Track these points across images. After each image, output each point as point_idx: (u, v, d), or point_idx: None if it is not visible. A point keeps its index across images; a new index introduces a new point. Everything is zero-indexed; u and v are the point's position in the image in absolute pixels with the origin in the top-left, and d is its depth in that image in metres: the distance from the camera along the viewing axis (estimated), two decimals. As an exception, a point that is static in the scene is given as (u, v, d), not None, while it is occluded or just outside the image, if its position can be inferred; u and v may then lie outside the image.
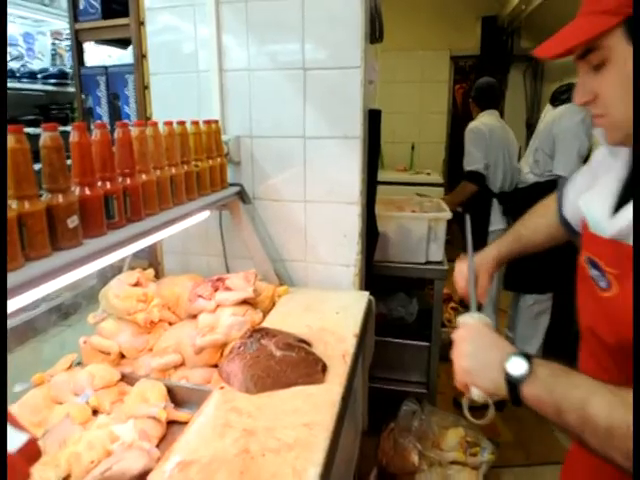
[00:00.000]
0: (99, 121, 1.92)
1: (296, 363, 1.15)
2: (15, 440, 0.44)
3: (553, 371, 0.66)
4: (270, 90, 1.69)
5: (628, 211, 0.71)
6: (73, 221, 0.93)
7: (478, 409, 0.79)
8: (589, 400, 0.59)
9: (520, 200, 2.70)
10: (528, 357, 0.68)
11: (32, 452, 0.45)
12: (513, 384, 0.66)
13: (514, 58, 4.71)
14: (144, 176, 1.18)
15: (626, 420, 0.56)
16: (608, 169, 0.83)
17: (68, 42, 4.30)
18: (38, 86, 3.84)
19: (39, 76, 3.86)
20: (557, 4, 3.26)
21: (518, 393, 0.66)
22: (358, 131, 1.62)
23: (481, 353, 0.74)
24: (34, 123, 3.57)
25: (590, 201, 0.83)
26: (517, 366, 0.67)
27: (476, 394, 0.74)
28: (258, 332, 1.23)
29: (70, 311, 1.72)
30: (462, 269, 1.06)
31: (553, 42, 0.73)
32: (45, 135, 0.91)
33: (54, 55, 4.31)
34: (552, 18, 3.76)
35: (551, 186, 2.62)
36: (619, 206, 0.75)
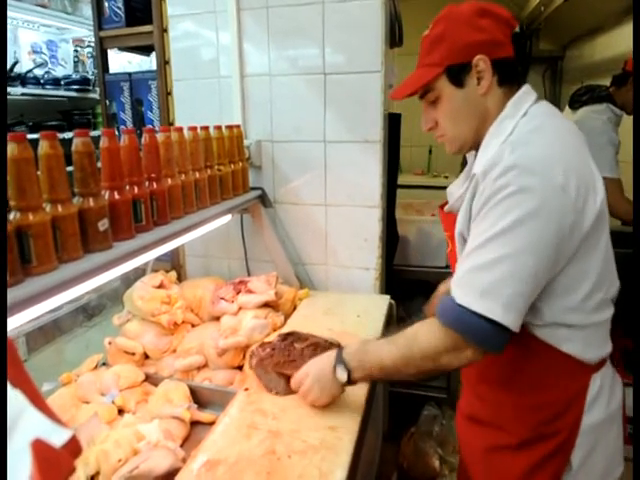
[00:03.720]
0: (126, 127, 1.97)
1: None
2: (60, 436, 0.45)
3: (357, 356, 0.99)
4: (290, 95, 1.71)
5: (456, 192, 1.02)
6: (104, 224, 0.95)
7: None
8: (380, 361, 0.95)
9: None
10: (343, 360, 1.00)
11: (75, 447, 0.47)
12: (349, 382, 1.01)
13: (533, 60, 4.67)
14: (170, 180, 1.20)
15: (395, 355, 0.93)
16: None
17: (90, 49, 4.39)
18: (61, 92, 3.92)
19: (62, 82, 3.94)
20: (576, 6, 3.23)
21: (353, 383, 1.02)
22: (378, 135, 1.63)
23: (320, 384, 1.04)
24: (58, 128, 3.66)
25: (450, 190, 1.10)
26: (342, 374, 1.00)
27: None
28: (291, 335, 1.23)
29: (95, 312, 1.75)
30: None
31: (402, 87, 0.99)
32: (77, 140, 0.94)
33: (76, 62, 4.40)
34: (571, 20, 3.73)
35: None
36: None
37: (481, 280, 0.82)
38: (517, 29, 0.94)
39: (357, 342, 1.03)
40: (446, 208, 1.06)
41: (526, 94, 0.94)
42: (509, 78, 0.94)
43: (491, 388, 1.01)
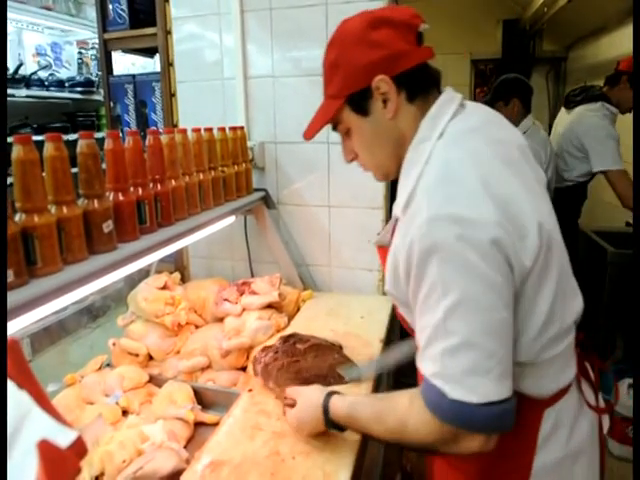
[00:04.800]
0: (130, 129, 1.97)
1: (331, 367, 1.16)
2: (66, 437, 0.46)
3: (345, 420, 0.88)
4: (294, 96, 1.71)
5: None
6: (108, 226, 0.96)
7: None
8: (370, 434, 0.85)
9: None
10: (333, 422, 0.90)
11: (81, 448, 0.47)
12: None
13: (536, 61, 4.67)
14: (174, 182, 1.21)
15: (386, 437, 0.82)
16: None
17: (94, 51, 4.41)
18: (65, 94, 3.95)
19: (66, 84, 3.96)
20: (580, 7, 3.22)
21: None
22: (382, 136, 1.63)
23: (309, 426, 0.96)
24: (62, 130, 3.67)
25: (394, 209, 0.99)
26: (336, 431, 0.92)
27: None
28: (292, 337, 1.24)
29: (99, 313, 1.75)
30: None
31: (310, 125, 0.91)
32: (82, 142, 0.94)
33: (80, 64, 4.43)
34: (575, 20, 3.72)
35: (571, 192, 2.58)
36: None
37: (461, 365, 0.69)
38: (425, 26, 0.81)
39: (344, 403, 0.90)
40: (376, 241, 0.94)
41: (443, 105, 0.82)
42: (421, 90, 0.82)
43: None
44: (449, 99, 0.83)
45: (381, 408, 0.83)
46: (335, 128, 0.90)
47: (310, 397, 0.95)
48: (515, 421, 0.76)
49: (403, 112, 0.82)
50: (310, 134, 0.91)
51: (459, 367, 0.69)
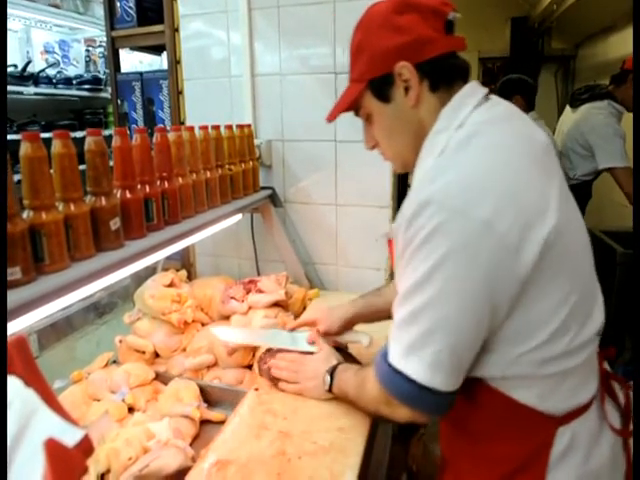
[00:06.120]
0: (138, 126, 1.97)
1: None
2: (73, 435, 0.45)
3: (340, 376, 1.02)
4: (301, 94, 1.70)
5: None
6: (115, 223, 0.96)
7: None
8: (347, 393, 0.99)
9: None
10: (334, 369, 1.04)
11: (88, 447, 0.47)
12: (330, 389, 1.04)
13: (545, 59, 4.63)
14: (181, 180, 1.20)
15: (354, 394, 0.95)
16: None
17: (101, 49, 4.42)
18: (73, 92, 3.96)
19: (74, 82, 3.98)
20: (589, 4, 3.19)
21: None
22: (389, 134, 1.62)
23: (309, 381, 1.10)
24: (70, 127, 3.69)
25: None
26: (327, 380, 1.04)
27: None
28: None
29: (105, 310, 1.76)
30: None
31: (334, 108, 0.90)
32: (90, 140, 0.94)
33: (88, 62, 4.44)
34: (584, 18, 3.68)
35: (575, 191, 2.55)
36: None
37: (406, 336, 0.72)
38: (455, 14, 0.80)
39: (347, 365, 1.05)
40: (387, 233, 0.97)
41: (466, 97, 0.79)
42: (444, 80, 0.80)
43: (448, 430, 0.90)
44: (473, 91, 0.80)
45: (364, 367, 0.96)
46: (357, 113, 0.89)
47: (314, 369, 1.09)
48: (526, 437, 0.77)
49: (424, 102, 0.80)
50: (332, 116, 0.91)
51: (404, 338, 0.73)
